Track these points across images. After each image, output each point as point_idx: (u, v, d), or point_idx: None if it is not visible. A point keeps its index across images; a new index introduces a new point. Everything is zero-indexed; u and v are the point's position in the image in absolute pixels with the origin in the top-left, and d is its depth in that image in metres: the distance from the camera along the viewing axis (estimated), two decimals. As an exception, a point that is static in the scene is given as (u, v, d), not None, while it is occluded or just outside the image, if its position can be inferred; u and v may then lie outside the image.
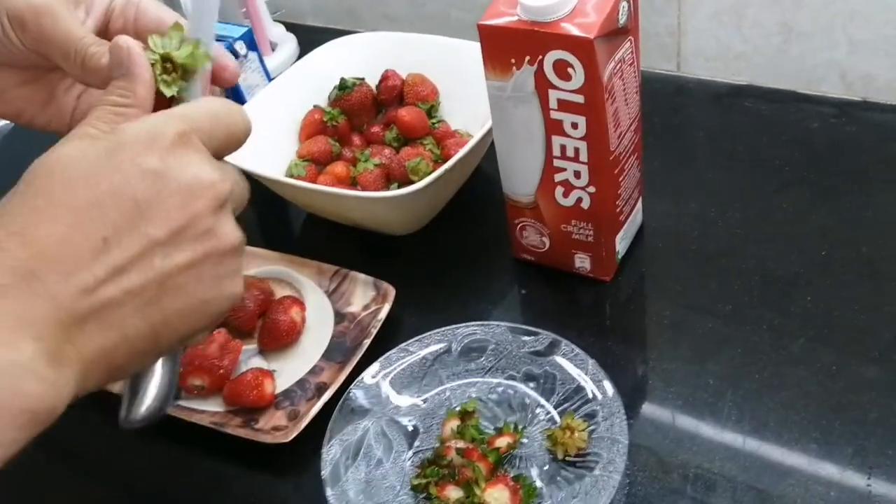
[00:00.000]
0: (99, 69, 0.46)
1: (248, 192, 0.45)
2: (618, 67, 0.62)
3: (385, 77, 0.88)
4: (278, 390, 0.68)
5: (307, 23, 1.19)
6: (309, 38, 1.10)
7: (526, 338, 0.66)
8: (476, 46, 0.63)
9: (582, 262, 0.72)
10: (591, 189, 0.66)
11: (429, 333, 0.67)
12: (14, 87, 0.51)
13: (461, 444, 0.60)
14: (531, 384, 0.64)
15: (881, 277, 0.68)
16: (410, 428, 0.64)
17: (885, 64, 0.83)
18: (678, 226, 0.76)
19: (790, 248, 0.72)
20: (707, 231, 0.75)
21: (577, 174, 0.65)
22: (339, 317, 0.73)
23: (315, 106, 0.88)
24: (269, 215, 0.90)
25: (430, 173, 0.76)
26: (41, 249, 0.37)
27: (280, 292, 0.75)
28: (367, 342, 0.68)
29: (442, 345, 0.67)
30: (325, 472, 0.59)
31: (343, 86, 0.87)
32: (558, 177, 0.66)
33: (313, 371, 0.69)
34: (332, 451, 0.60)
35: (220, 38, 0.85)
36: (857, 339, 0.65)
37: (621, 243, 0.72)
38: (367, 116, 0.88)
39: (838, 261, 0.71)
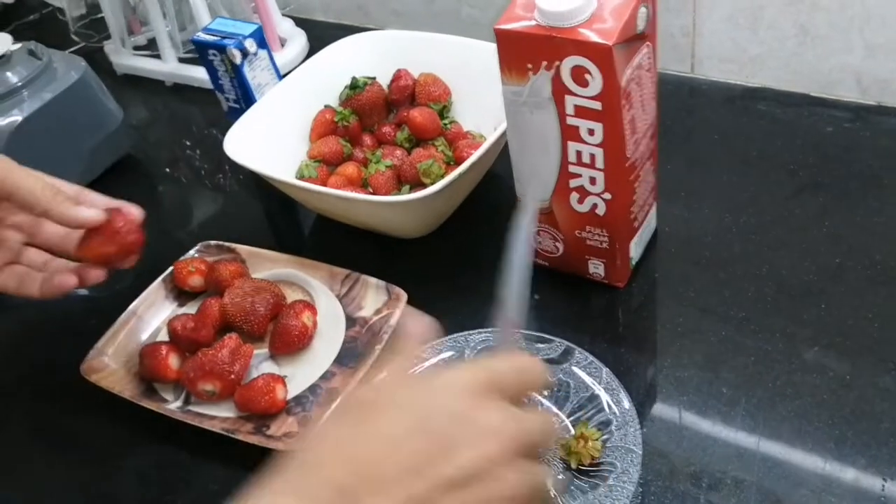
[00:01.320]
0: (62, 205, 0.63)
1: (551, 432, 0.47)
2: (635, 74, 0.62)
3: (397, 77, 0.88)
4: (290, 396, 0.68)
5: (316, 18, 1.19)
6: (318, 33, 1.09)
7: (540, 345, 0.65)
8: (489, 46, 0.63)
9: (596, 268, 0.71)
10: (607, 195, 0.65)
11: (441, 340, 0.67)
12: None
13: None
14: (545, 392, 0.64)
15: (894, 285, 0.68)
16: None
17: (901, 68, 0.83)
18: (692, 231, 0.76)
19: (804, 254, 0.72)
20: (721, 237, 0.75)
21: (593, 180, 0.65)
22: (351, 321, 0.72)
23: (326, 105, 0.87)
24: (279, 216, 0.89)
25: (441, 175, 0.76)
26: (358, 469, 0.40)
27: (291, 296, 0.75)
28: (380, 348, 0.68)
29: (454, 352, 0.67)
30: None
31: (354, 85, 0.87)
32: (573, 183, 0.66)
33: (325, 376, 0.69)
34: None
35: (229, 36, 0.84)
36: (870, 347, 0.64)
37: (635, 249, 0.72)
38: (379, 116, 0.88)
39: (852, 268, 0.70)
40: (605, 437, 0.59)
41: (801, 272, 0.71)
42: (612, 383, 0.62)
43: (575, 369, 0.63)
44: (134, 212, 0.67)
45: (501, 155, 0.75)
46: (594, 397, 0.62)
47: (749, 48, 0.89)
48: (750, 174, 0.81)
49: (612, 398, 0.61)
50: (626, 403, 0.60)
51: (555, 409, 0.63)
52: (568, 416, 0.62)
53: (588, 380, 0.63)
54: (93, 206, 0.65)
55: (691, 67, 0.94)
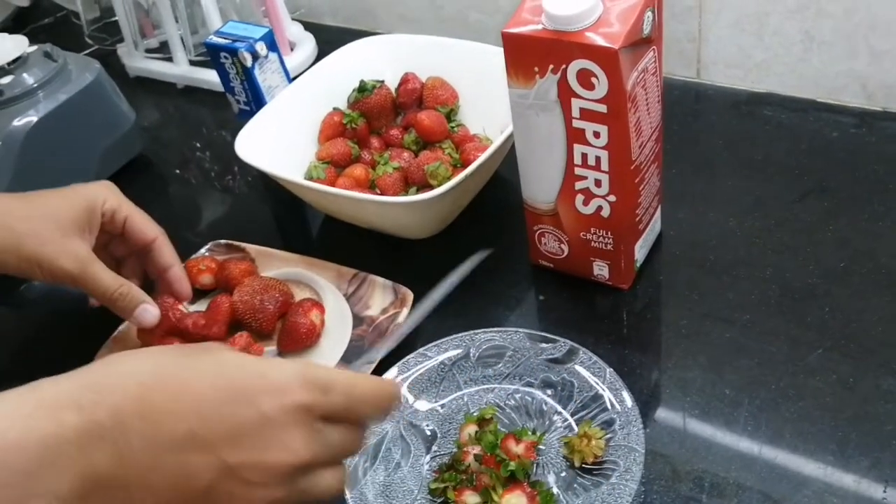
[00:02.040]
0: (125, 307, 0.69)
1: (353, 452, 0.49)
2: (641, 77, 0.62)
3: (404, 80, 0.89)
4: (297, 392, 0.69)
5: (325, 22, 1.20)
6: (327, 37, 1.10)
7: (544, 345, 0.66)
8: (496, 51, 0.63)
9: (600, 269, 0.72)
10: (612, 198, 0.66)
11: (447, 339, 0.68)
12: None
13: (478, 450, 0.60)
14: (549, 391, 0.65)
15: (899, 289, 0.69)
16: (428, 432, 0.64)
17: (906, 74, 0.83)
18: (696, 234, 0.77)
19: (808, 258, 0.73)
20: (725, 240, 0.76)
21: (598, 183, 0.66)
22: (358, 320, 0.73)
23: (334, 108, 0.88)
24: (288, 216, 0.90)
25: (448, 177, 0.77)
26: (145, 411, 0.42)
27: (299, 294, 0.76)
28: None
29: (460, 350, 0.67)
30: None
31: (362, 88, 0.87)
32: (579, 185, 0.67)
33: (331, 374, 0.70)
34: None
35: (240, 39, 0.85)
36: (874, 350, 0.65)
37: (640, 252, 0.72)
38: (387, 119, 0.89)
39: (856, 272, 0.71)
40: (608, 435, 0.60)
41: (805, 275, 0.71)
42: (615, 383, 0.62)
43: (579, 368, 0.64)
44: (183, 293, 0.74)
45: (508, 157, 0.76)
46: (598, 396, 0.62)
47: (755, 54, 0.89)
48: (755, 178, 0.81)
49: (616, 397, 0.62)
50: (629, 402, 0.61)
51: (559, 408, 0.63)
52: (572, 415, 0.63)
53: (592, 379, 0.63)
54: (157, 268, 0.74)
55: (697, 73, 0.94)
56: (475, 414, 0.64)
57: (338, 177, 0.83)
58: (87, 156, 0.94)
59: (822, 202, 0.78)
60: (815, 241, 0.74)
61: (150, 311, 0.70)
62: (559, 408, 0.64)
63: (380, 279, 0.74)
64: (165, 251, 0.73)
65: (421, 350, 0.67)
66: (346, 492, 0.59)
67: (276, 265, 0.79)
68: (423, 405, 0.66)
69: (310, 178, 0.83)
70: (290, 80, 0.91)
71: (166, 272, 0.73)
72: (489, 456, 0.60)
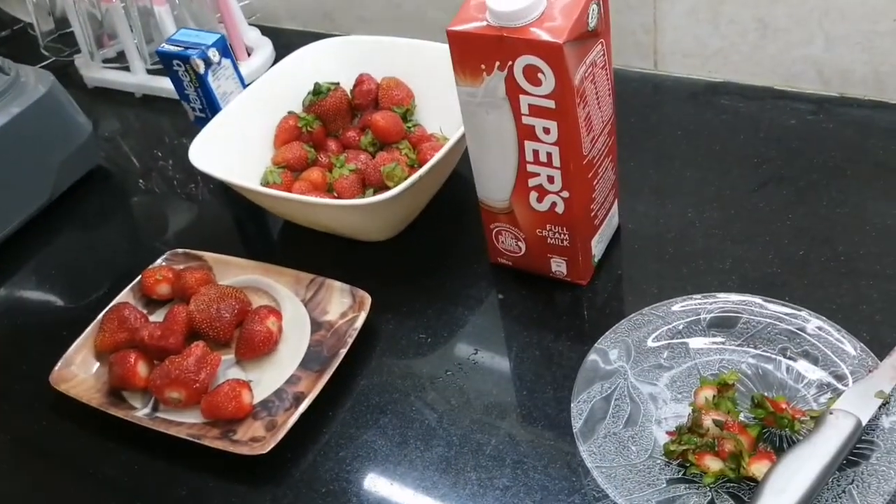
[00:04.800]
0: None
1: None
2: (589, 71, 0.62)
3: (359, 81, 0.88)
4: (256, 400, 0.68)
5: (283, 26, 1.19)
6: (285, 41, 1.09)
7: (783, 314, 0.65)
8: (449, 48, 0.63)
9: (558, 266, 0.71)
10: (565, 194, 0.66)
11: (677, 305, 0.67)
12: None
13: (717, 416, 0.58)
14: (789, 362, 0.63)
15: (857, 276, 0.68)
16: (657, 391, 0.63)
17: (862, 59, 0.83)
18: (655, 227, 0.76)
19: (767, 248, 0.72)
20: (684, 232, 0.75)
21: (551, 179, 0.65)
22: (316, 325, 0.72)
23: (289, 112, 0.87)
24: (249, 222, 0.89)
25: (405, 178, 0.76)
26: None
27: (257, 301, 0.75)
28: (344, 351, 0.68)
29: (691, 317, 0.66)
30: (577, 428, 0.60)
31: (317, 91, 0.87)
32: (532, 182, 0.66)
33: (290, 380, 0.69)
34: (580, 407, 0.61)
35: (193, 46, 0.85)
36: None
37: (597, 247, 0.72)
38: (343, 121, 0.88)
39: (815, 260, 0.70)
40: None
41: (764, 265, 0.71)
42: (865, 360, 0.61)
43: (821, 344, 0.63)
44: None
45: (465, 157, 0.75)
46: (842, 376, 0.61)
47: (711, 43, 0.89)
48: (714, 169, 0.81)
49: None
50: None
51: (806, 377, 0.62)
52: (818, 389, 0.61)
53: (835, 356, 0.62)
54: None
55: (654, 64, 0.94)
56: (714, 378, 0.62)
57: (294, 181, 0.83)
58: (42, 169, 0.93)
59: (780, 191, 0.77)
60: (773, 231, 0.74)
61: None
62: (806, 377, 0.62)
63: (337, 283, 0.74)
64: None
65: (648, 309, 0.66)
66: (580, 444, 0.58)
67: (234, 273, 0.78)
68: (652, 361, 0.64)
69: (266, 184, 0.82)
70: (245, 85, 0.90)
71: None
72: (733, 423, 0.58)
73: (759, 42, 0.87)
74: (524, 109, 0.62)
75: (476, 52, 0.61)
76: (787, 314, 0.65)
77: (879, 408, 0.57)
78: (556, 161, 0.64)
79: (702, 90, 0.91)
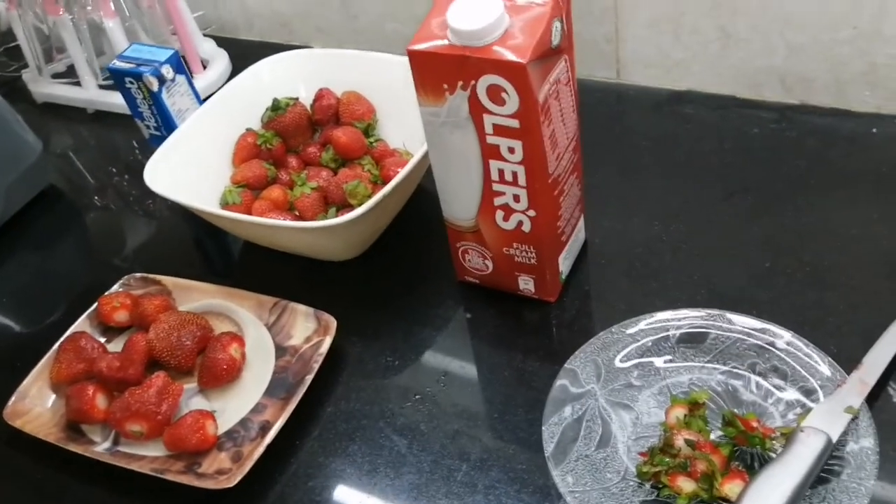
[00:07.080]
0: None
1: None
2: (553, 89, 0.61)
3: (319, 96, 0.86)
4: (221, 431, 0.66)
5: (240, 37, 1.16)
6: (242, 52, 1.07)
7: (751, 330, 0.64)
8: (410, 62, 0.61)
9: (526, 283, 0.70)
10: (531, 212, 0.65)
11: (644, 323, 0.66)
12: None
13: (688, 435, 0.58)
14: (758, 378, 0.62)
15: (823, 288, 0.68)
16: (627, 411, 0.62)
17: (823, 67, 0.83)
18: (622, 242, 0.76)
19: (734, 260, 0.72)
20: (651, 246, 0.75)
21: (517, 198, 0.64)
22: (281, 351, 0.70)
23: (248, 129, 0.85)
24: (209, 241, 0.87)
25: (368, 196, 0.75)
26: None
27: (219, 327, 0.73)
28: (310, 378, 0.66)
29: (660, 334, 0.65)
30: (549, 451, 0.59)
31: (276, 106, 0.85)
32: (498, 201, 0.65)
33: (256, 409, 0.67)
34: (551, 430, 0.60)
35: (145, 63, 0.82)
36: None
37: (564, 263, 0.71)
38: (303, 137, 0.86)
39: (781, 271, 0.70)
40: None
41: (731, 278, 0.71)
42: (834, 376, 0.60)
43: (790, 359, 0.62)
44: None
45: (430, 170, 0.74)
46: (811, 391, 0.61)
47: (673, 53, 0.89)
48: (679, 180, 0.81)
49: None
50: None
51: (773, 394, 0.62)
52: (786, 406, 0.61)
53: (805, 371, 0.62)
54: None
55: (617, 73, 0.93)
56: (684, 397, 0.61)
57: (255, 200, 0.81)
58: (-10, 192, 0.90)
59: (745, 201, 0.77)
60: (740, 243, 0.73)
61: None
62: (773, 394, 0.61)
63: (301, 307, 0.72)
64: None
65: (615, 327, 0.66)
66: (552, 469, 0.58)
67: (195, 297, 0.76)
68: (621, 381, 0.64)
69: (225, 204, 0.80)
70: (201, 101, 0.88)
71: None
72: (704, 442, 0.57)
73: (722, 52, 0.86)
74: (488, 129, 0.61)
75: (438, 72, 0.59)
76: (755, 329, 0.64)
77: (849, 423, 0.57)
78: (522, 180, 0.63)
79: (665, 99, 0.90)
